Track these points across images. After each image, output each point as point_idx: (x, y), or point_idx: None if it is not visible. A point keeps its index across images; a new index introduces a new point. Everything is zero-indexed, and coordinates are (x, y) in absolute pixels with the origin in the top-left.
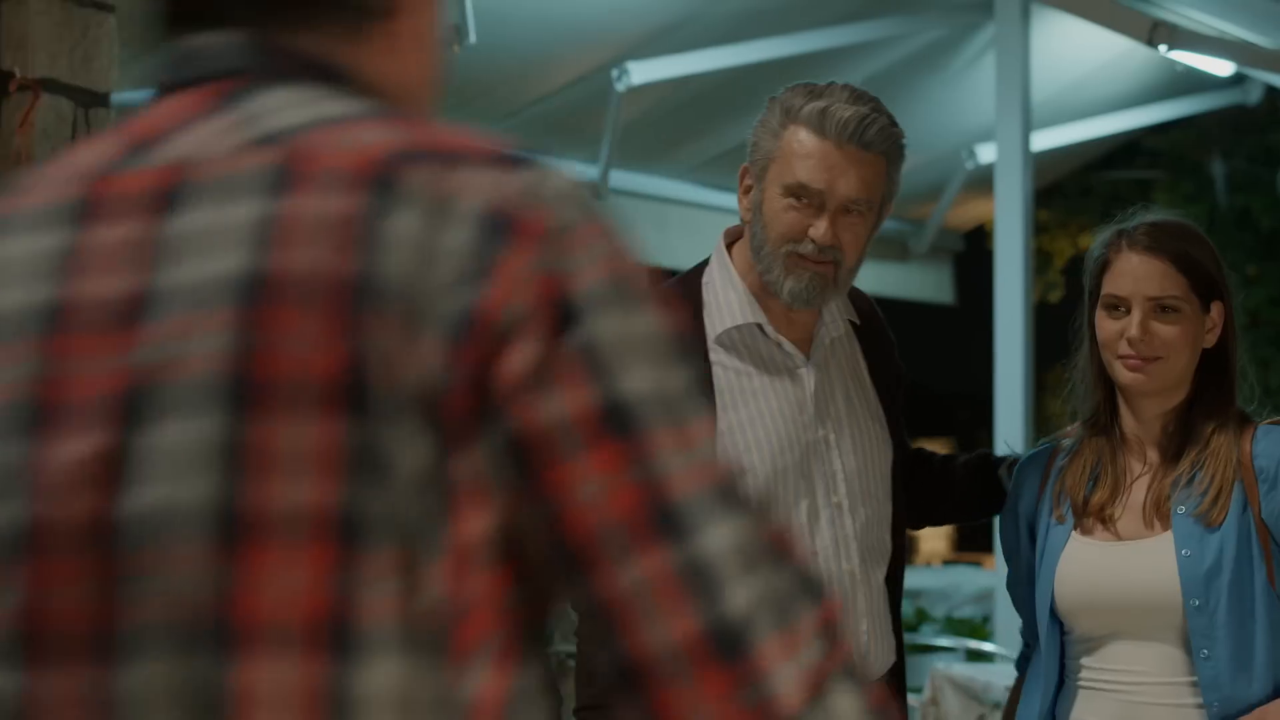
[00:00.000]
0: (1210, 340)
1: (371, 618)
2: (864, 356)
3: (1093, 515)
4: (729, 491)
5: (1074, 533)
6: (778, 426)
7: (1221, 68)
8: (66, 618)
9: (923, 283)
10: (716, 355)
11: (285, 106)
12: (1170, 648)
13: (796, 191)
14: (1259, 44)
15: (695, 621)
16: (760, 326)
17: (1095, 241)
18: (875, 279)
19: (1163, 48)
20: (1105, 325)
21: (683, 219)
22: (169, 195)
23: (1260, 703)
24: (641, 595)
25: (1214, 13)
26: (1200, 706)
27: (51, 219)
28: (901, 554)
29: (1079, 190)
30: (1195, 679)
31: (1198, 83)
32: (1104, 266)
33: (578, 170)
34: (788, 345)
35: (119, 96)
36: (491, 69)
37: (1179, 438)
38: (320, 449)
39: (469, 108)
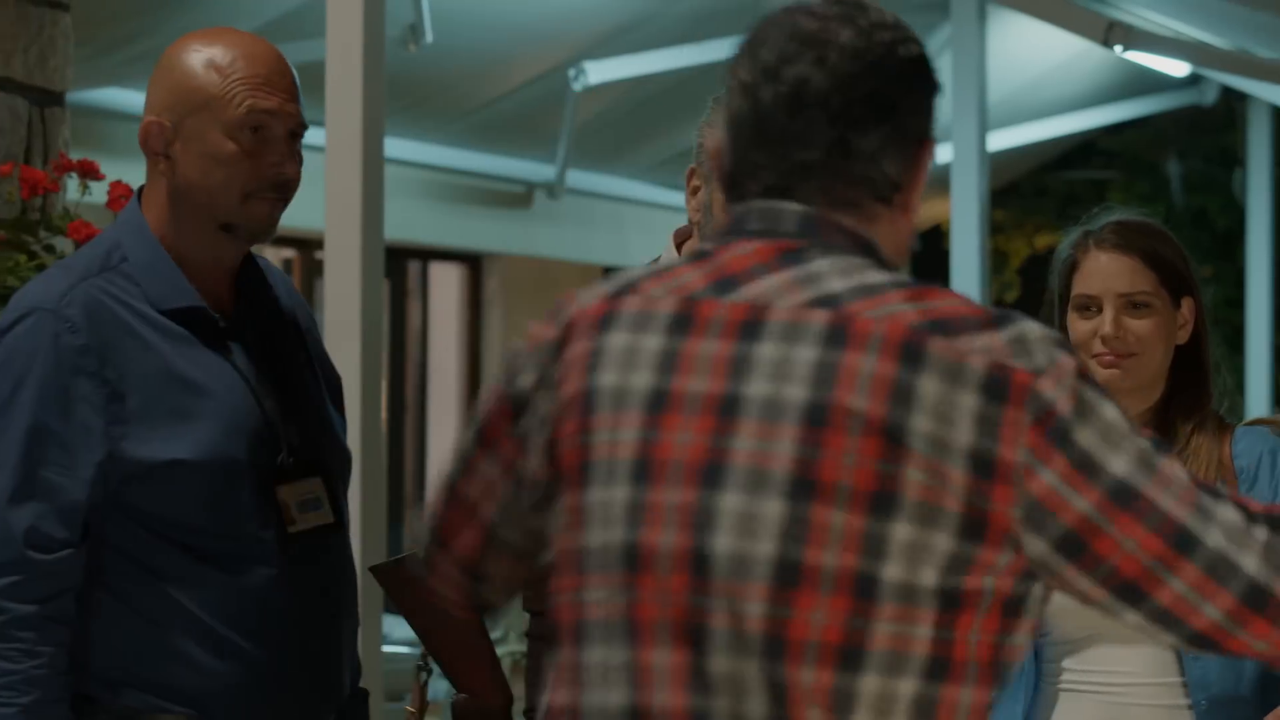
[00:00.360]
0: (1183, 337)
1: (878, 646)
2: None
3: None
4: (1206, 497)
5: None
6: None
7: (1177, 68)
8: (660, 616)
9: None
10: None
11: (834, 272)
12: (1156, 648)
13: None
14: (1214, 44)
15: (1230, 597)
16: None
17: (1061, 244)
18: None
19: (1118, 48)
20: (1078, 326)
21: (640, 218)
22: (749, 327)
23: (1250, 700)
24: (1190, 596)
25: (1169, 13)
26: (1189, 707)
27: (661, 325)
28: None
29: (1035, 190)
30: (1183, 678)
31: (1153, 83)
32: (1072, 268)
33: (537, 170)
34: None
35: (74, 96)
36: (448, 69)
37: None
38: (850, 532)
39: (426, 107)
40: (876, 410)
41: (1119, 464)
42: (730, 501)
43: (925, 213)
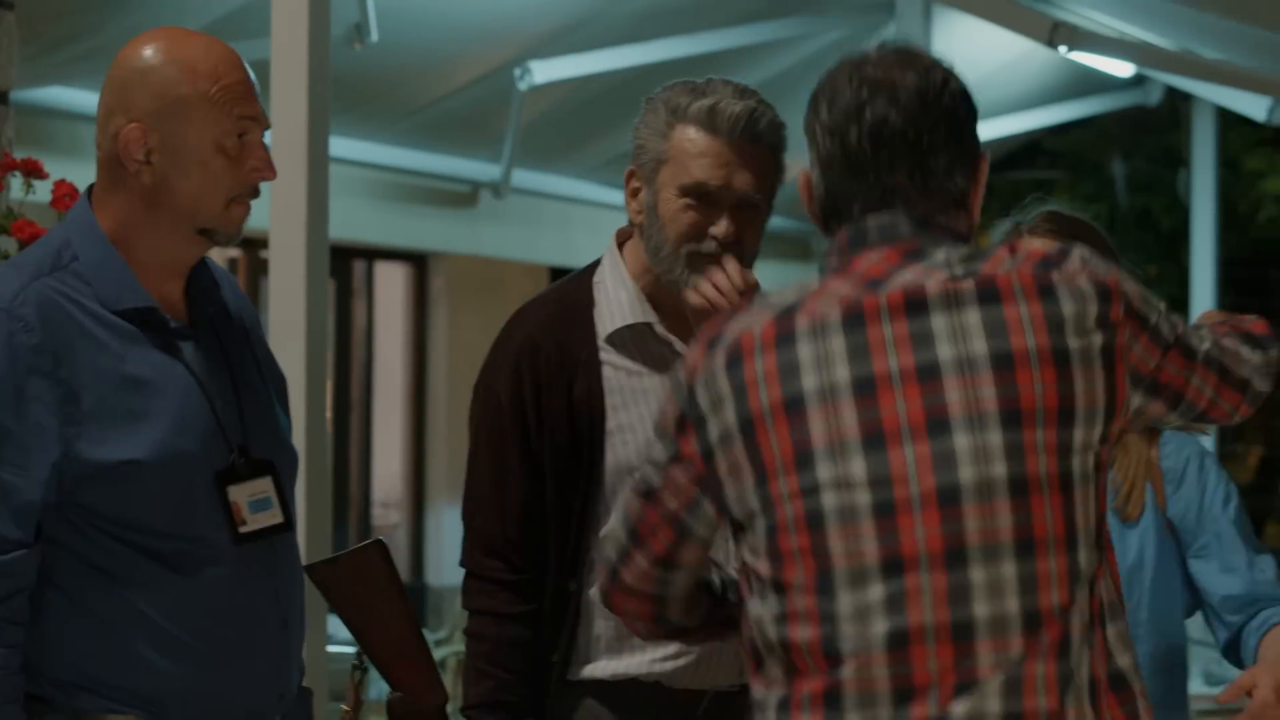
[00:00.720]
0: None
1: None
2: None
3: None
4: (1194, 328)
5: None
6: None
7: (1122, 69)
8: (932, 544)
9: None
10: (607, 355)
11: (954, 256)
12: None
13: (693, 191)
14: (1159, 45)
15: (1215, 378)
16: (651, 326)
17: (994, 237)
18: (778, 278)
19: (1063, 49)
20: None
21: (585, 218)
22: (914, 307)
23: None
24: (1202, 386)
25: (1114, 14)
26: None
27: (837, 327)
28: None
29: None
30: None
31: (1098, 83)
32: None
33: (482, 169)
34: (679, 345)
35: (18, 94)
36: (394, 68)
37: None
38: (1049, 444)
39: (370, 107)
40: (1044, 343)
41: (1164, 326)
42: (962, 442)
43: None
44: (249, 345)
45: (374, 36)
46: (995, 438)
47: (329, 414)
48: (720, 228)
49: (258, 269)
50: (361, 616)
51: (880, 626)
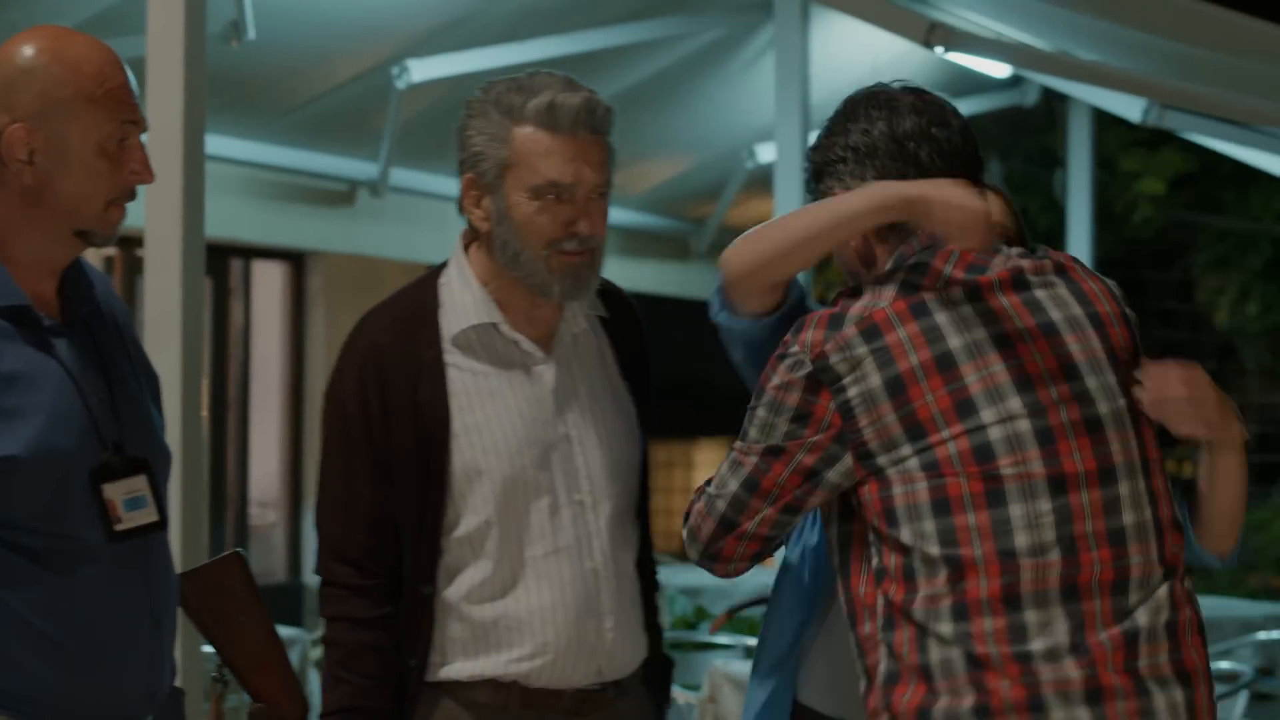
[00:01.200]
0: None
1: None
2: (613, 350)
3: None
4: None
5: None
6: (516, 426)
7: (998, 69)
8: (1077, 468)
9: (704, 281)
10: (452, 357)
11: (1012, 251)
12: None
13: (547, 191)
14: (1035, 46)
15: None
16: (496, 326)
17: None
18: (656, 278)
19: (939, 49)
20: None
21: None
22: (1019, 282)
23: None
24: None
25: (990, 14)
26: None
27: (964, 297)
28: (649, 547)
29: None
30: None
31: (975, 84)
32: None
33: (360, 168)
34: (526, 344)
35: None
36: (271, 65)
37: None
38: (1127, 382)
39: (247, 105)
40: (1114, 308)
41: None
42: (1091, 383)
43: (748, 212)
44: (122, 344)
45: (251, 34)
46: (1110, 378)
47: (205, 413)
48: (583, 225)
49: (134, 267)
50: (221, 628)
51: (1050, 534)
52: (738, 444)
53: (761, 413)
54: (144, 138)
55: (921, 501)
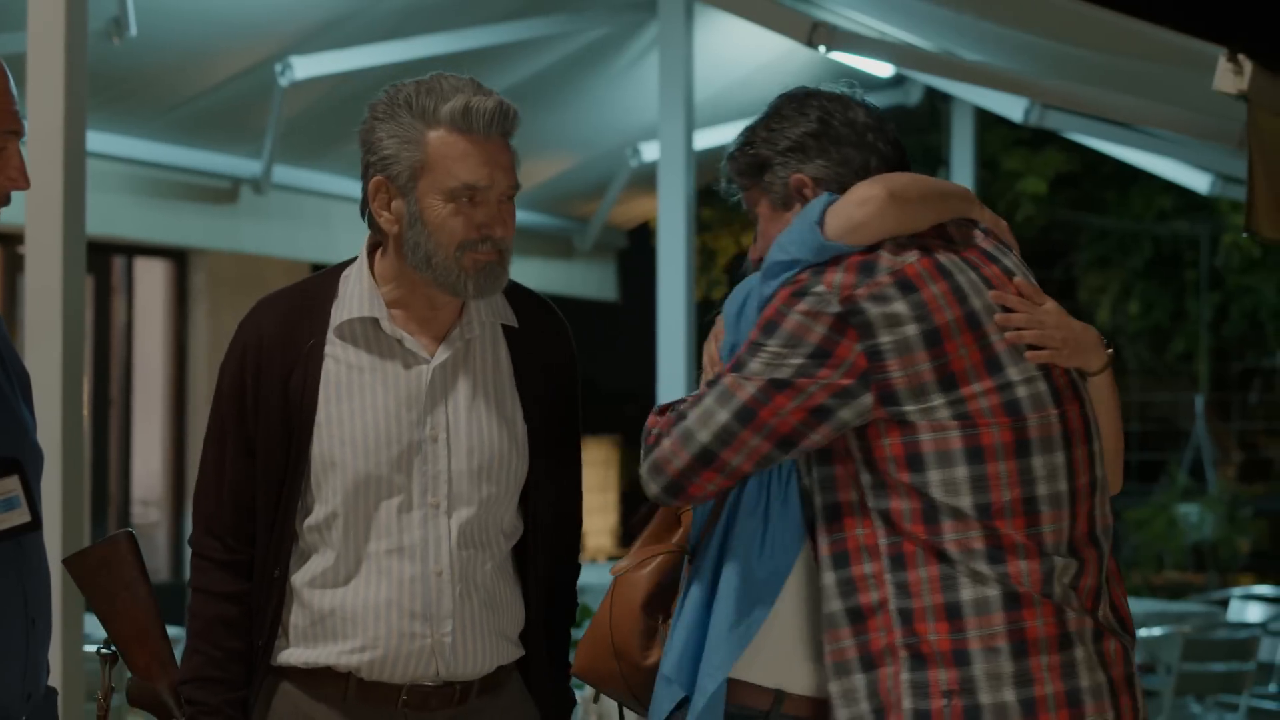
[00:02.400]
0: None
1: None
2: (513, 360)
3: None
4: None
5: None
6: (378, 422)
7: (881, 69)
8: (1078, 423)
9: (586, 280)
10: (332, 348)
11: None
12: None
13: (461, 194)
14: (919, 46)
15: None
16: (378, 321)
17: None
18: (540, 276)
19: (822, 48)
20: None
21: (347, 214)
22: (990, 255)
23: None
24: None
25: (874, 14)
26: None
27: (969, 265)
28: (542, 551)
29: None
30: None
31: (859, 83)
32: None
33: (243, 165)
34: (410, 342)
35: None
36: (152, 62)
37: None
38: None
39: (129, 101)
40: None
41: None
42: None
43: (633, 210)
44: None
45: (133, 31)
46: None
47: (87, 412)
48: (496, 228)
49: (14, 265)
50: (108, 604)
51: (1063, 485)
52: (728, 375)
53: (772, 346)
54: (23, 140)
55: (955, 448)
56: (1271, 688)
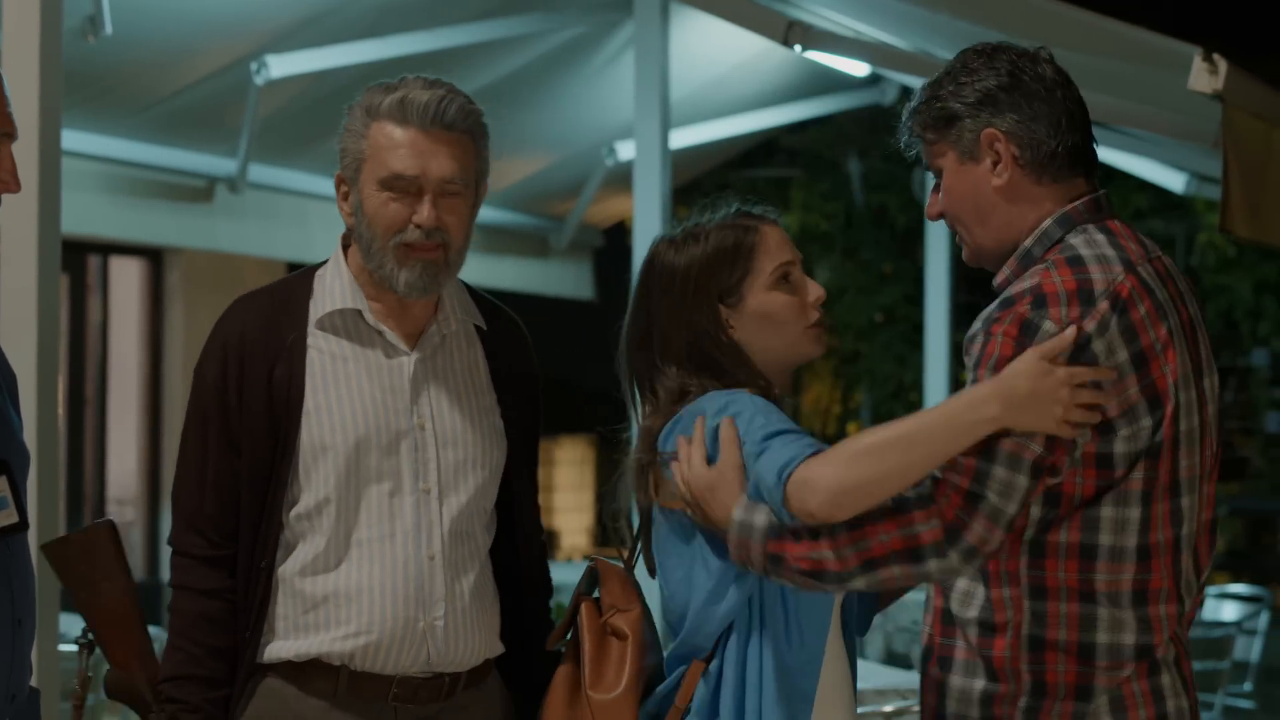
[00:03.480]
0: None
1: None
2: (486, 360)
3: None
4: None
5: None
6: (368, 408)
7: (857, 68)
8: (1207, 465)
9: (563, 279)
10: (314, 339)
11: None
12: None
13: (392, 183)
14: (894, 45)
15: None
16: (361, 313)
17: (723, 237)
18: (516, 275)
19: (798, 47)
20: (785, 299)
21: (322, 213)
22: (1170, 273)
23: None
24: None
25: (849, 13)
26: None
27: (1163, 281)
28: (522, 552)
29: (717, 187)
30: None
31: (834, 82)
32: (753, 247)
33: (218, 164)
34: (390, 334)
35: None
36: (128, 61)
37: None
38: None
39: (105, 100)
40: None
41: None
42: (1208, 384)
43: (609, 209)
44: None
45: (108, 29)
46: (1214, 381)
47: (62, 410)
48: (421, 215)
49: None
50: (88, 593)
51: (1191, 525)
52: (1006, 439)
53: None
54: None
55: (1134, 489)
56: (1246, 686)
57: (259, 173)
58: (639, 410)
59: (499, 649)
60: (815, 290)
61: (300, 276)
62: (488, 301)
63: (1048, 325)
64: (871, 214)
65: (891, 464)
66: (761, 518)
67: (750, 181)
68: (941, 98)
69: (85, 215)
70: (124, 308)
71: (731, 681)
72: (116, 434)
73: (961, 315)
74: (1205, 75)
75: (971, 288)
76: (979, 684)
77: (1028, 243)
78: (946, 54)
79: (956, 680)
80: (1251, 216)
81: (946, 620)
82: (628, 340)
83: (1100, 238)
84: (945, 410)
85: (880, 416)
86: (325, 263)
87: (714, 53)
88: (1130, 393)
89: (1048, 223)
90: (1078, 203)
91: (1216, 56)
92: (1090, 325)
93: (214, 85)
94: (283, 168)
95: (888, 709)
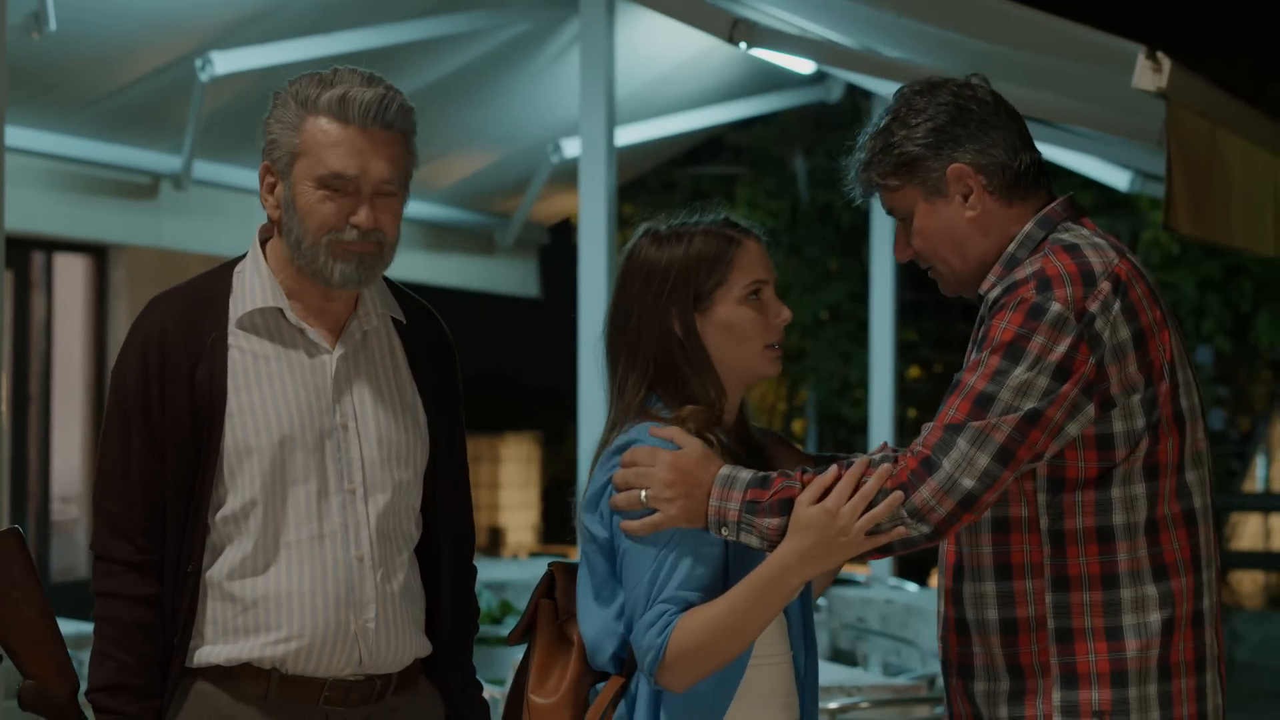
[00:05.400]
0: None
1: None
2: (406, 354)
3: None
4: None
5: None
6: (290, 409)
7: (802, 66)
8: (1203, 444)
9: (508, 276)
10: (235, 339)
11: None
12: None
13: (330, 182)
14: (840, 42)
15: None
16: (282, 311)
17: (706, 242)
18: (461, 272)
19: (743, 45)
20: (752, 315)
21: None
22: (1142, 270)
23: None
24: None
25: (795, 11)
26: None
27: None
28: (444, 548)
29: (663, 185)
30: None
31: (780, 80)
32: (733, 258)
33: (163, 161)
34: (312, 332)
35: None
36: (72, 57)
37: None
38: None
39: (49, 96)
40: None
41: None
42: (1190, 373)
43: (554, 206)
44: None
45: (52, 25)
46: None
47: (6, 408)
48: (361, 217)
49: None
50: None
51: (1202, 500)
52: (982, 418)
53: (1020, 372)
54: None
55: (1136, 466)
56: None
57: (204, 169)
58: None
59: (428, 648)
60: (783, 312)
61: (218, 273)
62: (403, 293)
63: (1055, 306)
64: (817, 211)
65: (720, 634)
66: (746, 473)
67: (695, 179)
68: (897, 144)
69: (29, 212)
70: (68, 305)
71: (645, 697)
72: (61, 432)
73: (906, 313)
74: (1149, 73)
75: (917, 285)
76: (1005, 684)
77: (1011, 248)
78: (892, 52)
79: (981, 685)
80: (1195, 214)
81: (961, 630)
82: (605, 331)
83: (1084, 231)
84: (757, 584)
85: (825, 414)
86: (243, 258)
87: (659, 50)
88: (1130, 370)
89: (1029, 226)
90: (1054, 204)
91: (1160, 55)
92: (1094, 305)
93: (159, 82)
94: (228, 164)
95: (832, 705)
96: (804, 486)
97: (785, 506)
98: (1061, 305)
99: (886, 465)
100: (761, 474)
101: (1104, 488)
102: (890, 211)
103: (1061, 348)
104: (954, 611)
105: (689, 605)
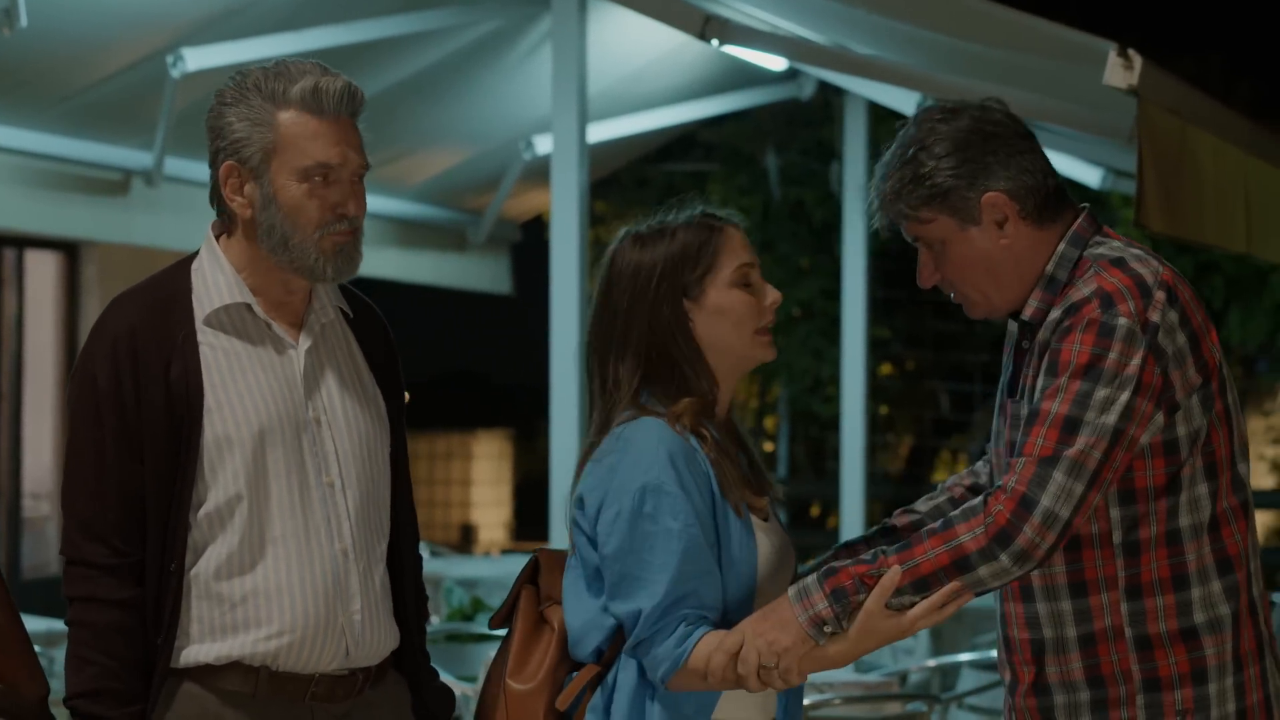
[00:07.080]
0: None
1: None
2: (359, 345)
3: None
4: None
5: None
6: (267, 403)
7: (774, 62)
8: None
9: (480, 273)
10: (204, 336)
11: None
12: None
13: (315, 173)
14: (811, 39)
15: None
16: (249, 306)
17: (690, 234)
18: (433, 269)
19: (715, 42)
20: (744, 298)
21: None
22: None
23: None
24: None
25: (766, 8)
26: None
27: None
28: (404, 539)
29: (635, 182)
30: None
31: (752, 77)
32: (718, 246)
33: (134, 158)
34: (278, 327)
35: None
36: (43, 53)
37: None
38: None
39: (20, 93)
40: None
41: None
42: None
43: (527, 204)
44: None
45: (23, 22)
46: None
47: None
48: (350, 207)
49: None
50: None
51: (1249, 491)
52: (1071, 443)
53: (1101, 391)
54: None
55: (1198, 466)
56: None
57: (175, 166)
58: (593, 406)
59: (399, 638)
60: (772, 294)
61: (175, 271)
62: (346, 288)
63: (1122, 321)
64: (789, 208)
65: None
66: (806, 579)
67: (668, 176)
68: (927, 175)
69: (0, 208)
70: (39, 301)
71: (628, 690)
72: (32, 428)
73: (878, 310)
74: (1120, 70)
75: (889, 283)
76: (1085, 694)
77: (1049, 269)
78: (864, 49)
79: (1060, 699)
80: (1166, 211)
81: (1038, 650)
82: (590, 333)
83: (1116, 243)
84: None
85: (797, 410)
86: (196, 255)
87: (631, 47)
88: (1190, 374)
89: (1062, 246)
90: (1079, 221)
91: (1131, 52)
92: (1155, 315)
93: (130, 78)
94: (199, 161)
95: (805, 702)
96: (877, 571)
97: (870, 587)
98: (1128, 319)
99: (977, 533)
100: (819, 570)
101: (1173, 493)
102: (916, 240)
103: (1136, 361)
104: (1029, 634)
105: (703, 618)
